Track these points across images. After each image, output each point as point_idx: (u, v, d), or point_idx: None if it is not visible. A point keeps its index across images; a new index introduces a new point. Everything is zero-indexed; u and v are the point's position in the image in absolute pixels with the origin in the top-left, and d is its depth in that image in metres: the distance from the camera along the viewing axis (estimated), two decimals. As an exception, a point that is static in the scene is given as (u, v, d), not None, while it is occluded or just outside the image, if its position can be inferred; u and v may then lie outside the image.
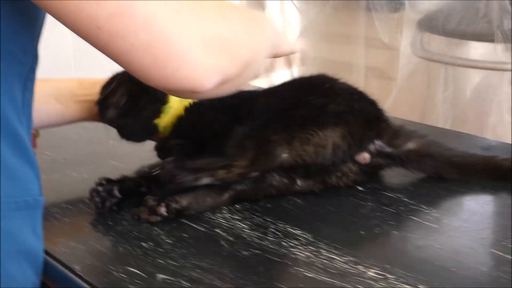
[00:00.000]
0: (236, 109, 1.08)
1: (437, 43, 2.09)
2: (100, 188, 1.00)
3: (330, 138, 1.00)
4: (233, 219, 0.96)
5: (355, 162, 1.04)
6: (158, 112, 1.13)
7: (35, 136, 1.36)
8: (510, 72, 1.84)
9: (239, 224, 0.95)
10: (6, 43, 0.75)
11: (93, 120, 1.22)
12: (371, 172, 1.07)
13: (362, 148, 1.03)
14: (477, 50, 2.02)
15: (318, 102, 1.03)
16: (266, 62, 0.93)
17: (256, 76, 0.91)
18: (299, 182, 1.03)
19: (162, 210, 0.95)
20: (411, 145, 1.06)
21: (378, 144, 1.04)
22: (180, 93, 0.79)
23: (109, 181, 1.01)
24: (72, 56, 1.84)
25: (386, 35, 2.35)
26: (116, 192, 0.99)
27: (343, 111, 1.03)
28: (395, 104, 2.32)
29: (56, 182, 1.14)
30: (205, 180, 0.96)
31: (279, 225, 0.94)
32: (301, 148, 0.99)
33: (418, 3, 2.23)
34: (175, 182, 0.96)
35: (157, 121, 1.14)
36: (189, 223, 0.96)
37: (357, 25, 2.41)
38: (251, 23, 0.86)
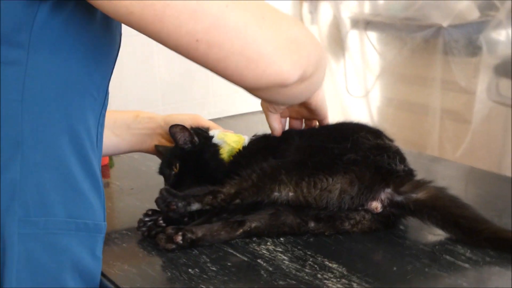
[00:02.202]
0: (276, 149, 1.15)
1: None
2: (146, 219, 1.10)
3: (338, 184, 1.05)
4: (276, 251, 1.02)
5: (368, 211, 1.06)
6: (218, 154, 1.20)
7: (108, 166, 1.47)
8: None
9: (281, 256, 1.01)
10: (82, 77, 0.84)
11: (146, 152, 1.32)
12: (386, 221, 1.07)
13: (372, 196, 1.05)
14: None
15: (338, 151, 1.07)
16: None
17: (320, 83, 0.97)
18: (310, 224, 1.07)
19: (179, 238, 1.03)
20: (419, 194, 1.05)
21: (387, 192, 1.05)
22: (269, 91, 0.86)
23: (154, 211, 1.10)
24: (160, 91, 1.95)
25: (463, 79, 2.37)
26: (160, 222, 1.08)
27: (356, 160, 1.06)
28: (470, 148, 2.32)
29: (120, 210, 1.24)
30: (195, 206, 1.05)
31: (318, 258, 0.99)
32: (307, 190, 1.04)
33: (496, 48, 2.24)
34: (170, 208, 1.05)
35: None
36: (234, 253, 1.02)
37: (434, 68, 2.43)
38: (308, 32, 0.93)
